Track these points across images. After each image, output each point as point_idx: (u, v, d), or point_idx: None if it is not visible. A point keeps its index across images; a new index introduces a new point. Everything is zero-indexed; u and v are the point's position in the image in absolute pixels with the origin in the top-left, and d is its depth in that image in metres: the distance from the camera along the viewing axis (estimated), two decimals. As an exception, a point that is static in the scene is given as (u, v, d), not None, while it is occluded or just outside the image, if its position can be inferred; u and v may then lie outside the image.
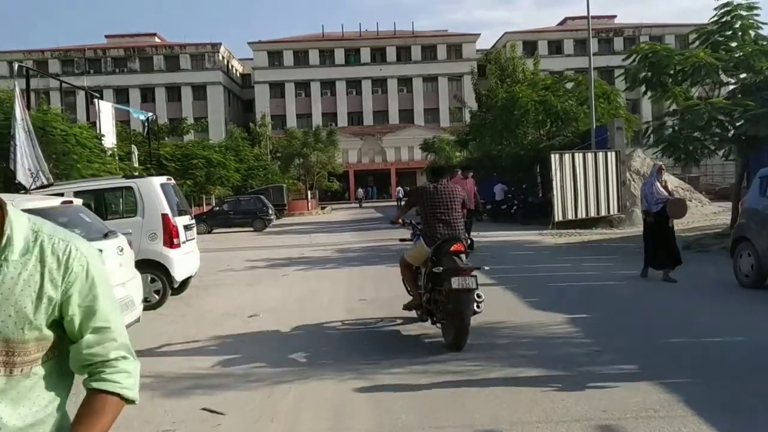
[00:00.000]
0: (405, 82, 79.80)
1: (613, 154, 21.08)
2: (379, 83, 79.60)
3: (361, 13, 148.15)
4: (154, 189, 9.00)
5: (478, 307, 5.96)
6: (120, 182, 9.42)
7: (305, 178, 50.79)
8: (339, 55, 79.37)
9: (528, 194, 24.67)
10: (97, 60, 77.40)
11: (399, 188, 61.40)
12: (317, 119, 69.34)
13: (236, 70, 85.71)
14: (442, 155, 48.61)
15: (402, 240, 7.96)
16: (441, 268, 5.99)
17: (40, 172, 14.16)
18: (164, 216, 8.89)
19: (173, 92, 77.10)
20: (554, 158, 19.81)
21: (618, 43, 74.21)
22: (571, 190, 20.14)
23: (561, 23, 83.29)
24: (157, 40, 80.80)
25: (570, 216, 20.15)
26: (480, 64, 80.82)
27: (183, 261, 9.21)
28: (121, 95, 70.33)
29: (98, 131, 22.35)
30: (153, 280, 8.88)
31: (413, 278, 6.85)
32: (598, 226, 20.41)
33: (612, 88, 24.01)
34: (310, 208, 46.53)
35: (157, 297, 8.92)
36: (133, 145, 27.47)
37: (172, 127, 40.21)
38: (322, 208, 50.14)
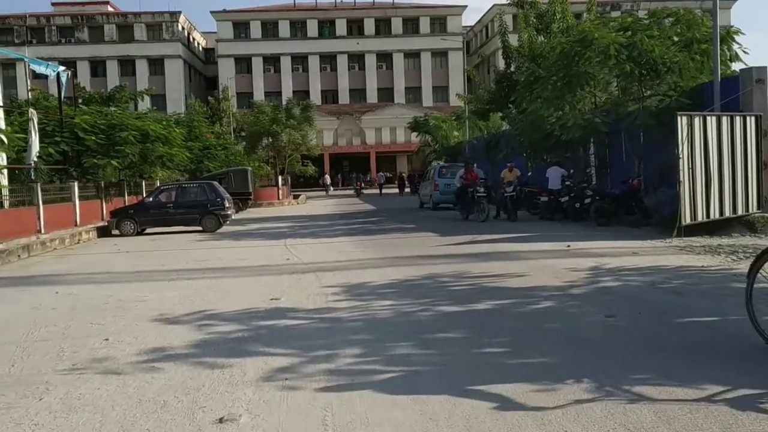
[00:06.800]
0: (384, 58, 73.10)
1: (753, 120, 13.74)
2: (356, 59, 72.82)
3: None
4: None
5: None
6: None
7: (275, 161, 43.18)
8: (312, 27, 72.28)
9: (601, 181, 17.24)
10: (40, 29, 69.68)
11: (381, 174, 55.21)
12: (288, 97, 61.46)
13: (198, 43, 77.87)
14: (439, 135, 40.92)
15: None
16: None
17: None
18: None
19: (126, 66, 69.38)
20: (681, 122, 12.25)
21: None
22: (702, 176, 12.69)
23: (556, -6, 76.72)
24: (109, 8, 72.34)
25: (701, 216, 12.66)
26: (467, 39, 74.88)
27: None
28: (68, 68, 61.40)
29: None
30: None
31: None
32: (734, 231, 13.01)
33: (729, 28, 16.49)
34: (281, 197, 38.64)
35: None
36: (31, 110, 19.30)
37: (108, 95, 31.40)
38: (296, 197, 42.26)
